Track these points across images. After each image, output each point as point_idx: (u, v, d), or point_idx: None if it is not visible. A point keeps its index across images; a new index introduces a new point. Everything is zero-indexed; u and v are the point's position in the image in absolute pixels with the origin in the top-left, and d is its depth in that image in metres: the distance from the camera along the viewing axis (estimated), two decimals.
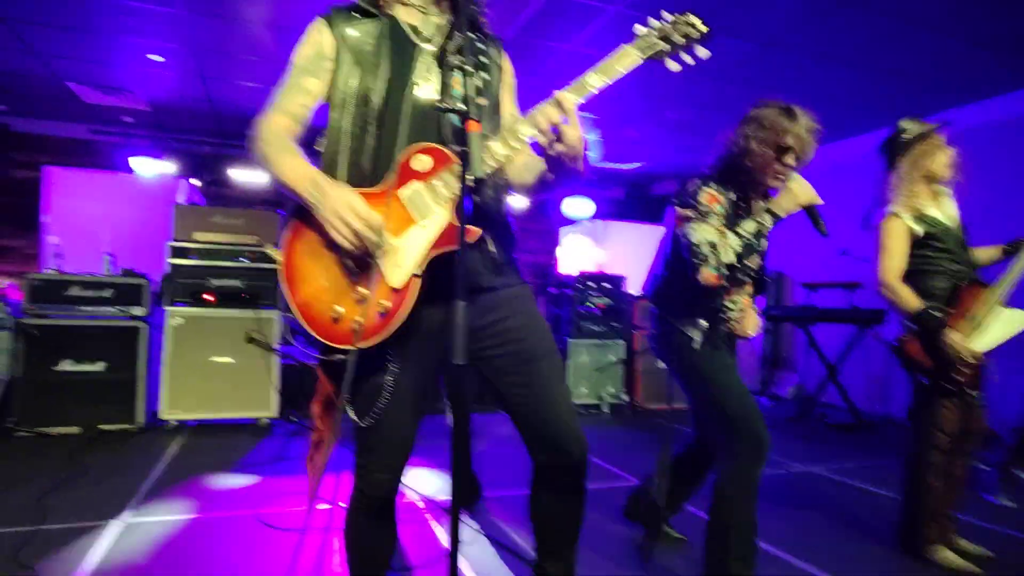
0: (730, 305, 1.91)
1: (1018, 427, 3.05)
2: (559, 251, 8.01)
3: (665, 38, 1.18)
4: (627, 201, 8.74)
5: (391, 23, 1.26)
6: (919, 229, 2.24)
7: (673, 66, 1.20)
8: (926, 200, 2.27)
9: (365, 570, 1.36)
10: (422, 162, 1.15)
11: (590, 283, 5.51)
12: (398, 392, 1.22)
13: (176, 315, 3.85)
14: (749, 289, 1.97)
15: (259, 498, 2.64)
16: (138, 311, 3.83)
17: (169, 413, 3.80)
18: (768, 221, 1.76)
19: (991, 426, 4.62)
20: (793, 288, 6.72)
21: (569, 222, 8.07)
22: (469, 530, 2.36)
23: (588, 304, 5.44)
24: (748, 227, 1.77)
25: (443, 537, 2.32)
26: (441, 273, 1.12)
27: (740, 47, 4.18)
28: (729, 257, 1.73)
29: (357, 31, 1.25)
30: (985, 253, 2.42)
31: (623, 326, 5.53)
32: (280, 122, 1.25)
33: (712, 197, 1.83)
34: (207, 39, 4.26)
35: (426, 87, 1.24)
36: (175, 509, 2.49)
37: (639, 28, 1.19)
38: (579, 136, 1.16)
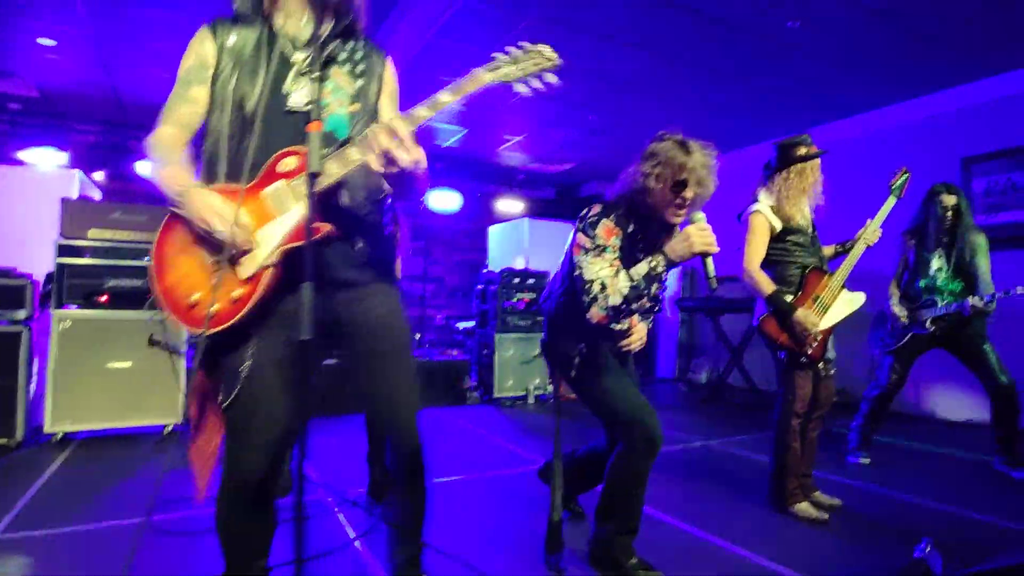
0: (619, 327, 1.92)
1: (872, 394, 3.43)
2: (490, 248, 8.10)
3: (516, 63, 1.27)
4: (557, 200, 8.96)
5: (270, 31, 1.32)
6: (777, 224, 2.58)
7: (522, 89, 1.28)
8: (791, 206, 2.59)
9: (236, 558, 1.36)
10: (287, 164, 1.23)
11: (515, 279, 5.63)
12: (261, 377, 1.27)
13: (64, 318, 3.58)
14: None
15: (155, 505, 2.51)
16: (19, 314, 3.53)
17: (55, 425, 3.50)
18: (661, 265, 1.74)
19: (855, 394, 5.15)
20: (704, 281, 7.09)
21: (499, 221, 8.17)
22: (369, 519, 2.41)
23: (513, 299, 5.56)
24: (640, 270, 1.75)
25: (348, 528, 2.35)
26: (301, 266, 1.17)
27: (647, 61, 4.42)
28: (616, 300, 1.72)
29: (237, 36, 1.32)
30: (827, 251, 2.79)
31: None
32: (168, 132, 1.31)
33: (609, 231, 1.82)
34: (108, 24, 4.05)
35: (298, 94, 1.30)
36: (57, 522, 2.34)
37: (496, 55, 1.28)
38: (412, 159, 1.19)
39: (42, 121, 5.95)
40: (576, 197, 8.84)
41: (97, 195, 5.37)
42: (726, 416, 4.96)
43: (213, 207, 1.19)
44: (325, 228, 1.22)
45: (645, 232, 1.89)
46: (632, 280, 1.74)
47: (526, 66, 1.26)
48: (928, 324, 3.23)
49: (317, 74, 1.12)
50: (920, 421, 4.79)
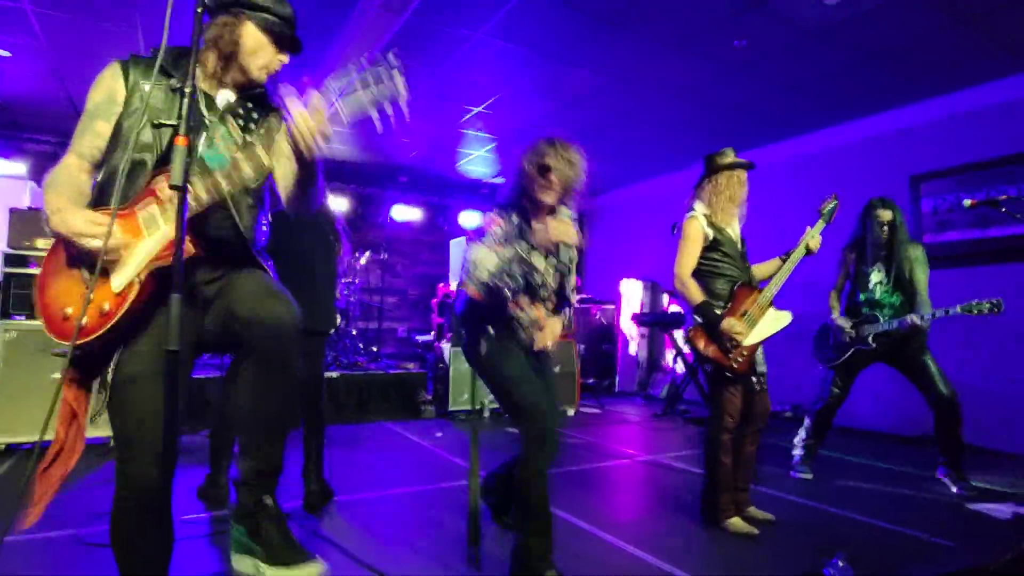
0: (520, 315, 2.11)
1: (815, 408, 3.50)
2: (451, 261, 8.15)
3: (367, 89, 1.41)
4: None
5: (192, 94, 1.33)
6: (711, 233, 2.63)
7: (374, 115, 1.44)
8: (721, 215, 2.67)
9: (137, 571, 1.34)
10: (165, 190, 1.30)
11: None
12: (144, 387, 1.30)
13: (9, 328, 3.57)
14: (549, 305, 2.21)
15: (86, 517, 2.51)
16: None
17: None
18: (523, 249, 2.03)
19: (800, 408, 5.29)
20: (662, 295, 7.25)
21: (460, 234, 8.23)
22: (303, 531, 2.41)
23: None
24: (507, 252, 2.02)
25: None
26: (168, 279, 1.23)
27: (600, 78, 4.54)
28: (483, 276, 1.98)
29: (153, 88, 1.40)
30: (767, 267, 2.82)
31: None
32: (71, 161, 1.39)
33: (492, 220, 2.10)
34: (62, 36, 4.04)
35: (202, 145, 1.43)
36: None
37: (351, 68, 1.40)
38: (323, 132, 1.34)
39: None
40: None
41: None
42: (678, 431, 5.04)
43: (86, 217, 1.28)
44: (190, 250, 1.30)
45: (528, 223, 2.13)
46: (499, 258, 2.00)
47: (376, 94, 1.41)
48: (871, 340, 3.32)
49: (207, 117, 1.30)
50: (870, 436, 4.92)
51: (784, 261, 2.73)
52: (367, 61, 1.37)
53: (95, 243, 1.24)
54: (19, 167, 5.67)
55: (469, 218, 8.47)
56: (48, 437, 1.59)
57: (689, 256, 2.62)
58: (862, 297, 3.42)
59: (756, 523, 2.60)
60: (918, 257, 3.36)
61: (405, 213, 7.89)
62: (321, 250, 2.99)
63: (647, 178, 7.63)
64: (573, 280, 2.32)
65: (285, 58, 1.54)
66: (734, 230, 2.72)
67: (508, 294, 2.04)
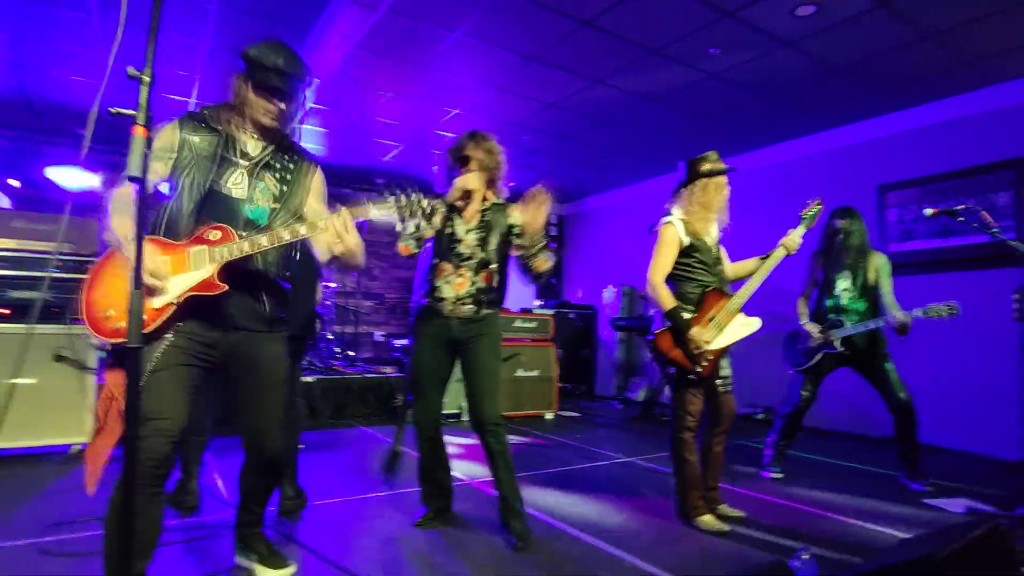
0: (440, 285, 2.47)
1: (784, 411, 3.59)
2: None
3: (400, 208, 1.77)
4: None
5: (226, 139, 1.76)
6: (686, 239, 2.64)
7: (399, 226, 2.02)
8: (698, 221, 2.68)
9: (118, 550, 1.45)
10: (213, 234, 1.66)
11: None
12: (165, 374, 1.59)
13: None
14: (468, 273, 2.49)
15: (47, 527, 2.42)
16: None
17: None
18: (425, 202, 2.11)
19: (771, 411, 5.38)
20: (641, 300, 7.30)
21: None
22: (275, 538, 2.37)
23: None
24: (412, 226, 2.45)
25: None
26: (209, 308, 1.67)
27: (573, 82, 4.57)
28: (409, 230, 2.43)
29: (199, 138, 1.73)
30: (745, 265, 2.84)
31: None
32: (127, 191, 1.63)
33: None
34: (14, 24, 3.89)
35: (236, 187, 1.75)
36: None
37: (389, 197, 1.78)
38: (348, 246, 1.73)
39: None
40: None
41: (6, 202, 5.12)
42: (655, 434, 5.07)
43: (151, 254, 1.54)
44: (222, 288, 1.63)
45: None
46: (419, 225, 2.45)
47: (406, 213, 1.77)
48: (838, 344, 3.41)
49: (250, 168, 1.77)
50: (838, 437, 5.02)
51: (763, 261, 2.75)
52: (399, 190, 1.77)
53: (149, 279, 1.50)
54: None
55: None
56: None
57: (663, 261, 2.63)
58: (829, 303, 3.52)
59: (727, 520, 2.65)
60: (882, 265, 3.49)
61: (383, 216, 7.82)
62: (301, 254, 2.94)
63: (626, 184, 7.71)
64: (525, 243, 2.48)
65: (281, 105, 1.76)
66: (711, 236, 2.74)
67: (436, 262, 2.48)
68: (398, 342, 7.06)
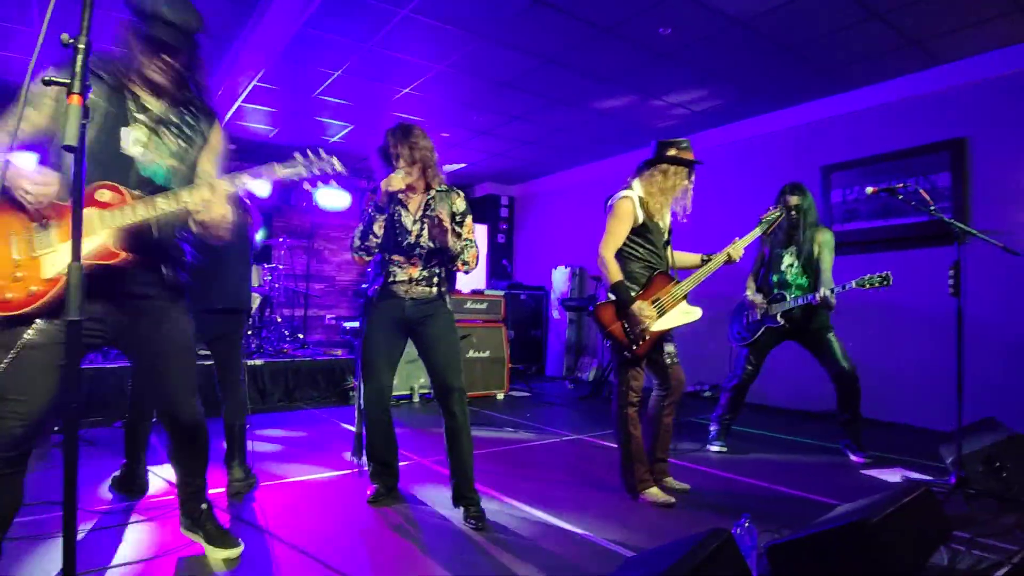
0: (393, 270, 2.53)
1: (729, 385, 3.79)
2: None
3: (308, 167, 1.73)
4: None
5: (120, 92, 1.63)
6: (640, 217, 2.69)
7: (307, 186, 1.96)
8: (655, 202, 2.74)
9: None
10: (103, 194, 1.52)
11: None
12: (35, 354, 1.47)
13: None
14: (416, 262, 2.53)
15: None
16: None
17: None
18: (336, 162, 2.03)
19: (718, 388, 5.64)
20: (589, 281, 7.45)
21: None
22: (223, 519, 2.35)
23: None
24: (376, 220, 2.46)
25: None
26: (102, 278, 1.54)
27: (524, 61, 4.58)
28: (356, 243, 2.51)
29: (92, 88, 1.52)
30: (688, 258, 2.95)
31: None
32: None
33: (366, 202, 2.54)
34: None
35: (134, 147, 1.62)
36: None
37: (296, 155, 1.74)
38: (220, 213, 1.67)
39: None
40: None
41: None
42: (603, 412, 5.22)
43: (28, 178, 1.40)
44: (122, 256, 1.53)
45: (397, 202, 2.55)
46: (360, 226, 2.50)
47: (314, 169, 1.73)
48: (779, 318, 3.55)
49: (136, 114, 1.60)
50: (781, 413, 5.29)
51: (704, 262, 2.86)
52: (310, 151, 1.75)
53: (29, 197, 1.40)
54: None
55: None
56: None
57: (615, 235, 2.67)
58: (774, 278, 3.65)
59: (673, 492, 2.76)
60: (826, 241, 3.56)
61: (332, 198, 7.65)
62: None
63: (576, 165, 7.78)
64: (463, 231, 2.56)
65: (168, 59, 1.63)
66: (664, 220, 2.80)
67: (367, 246, 2.48)
68: (348, 324, 6.99)
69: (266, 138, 6.66)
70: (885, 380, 4.66)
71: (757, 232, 2.94)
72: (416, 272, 2.53)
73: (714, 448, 3.72)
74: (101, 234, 1.49)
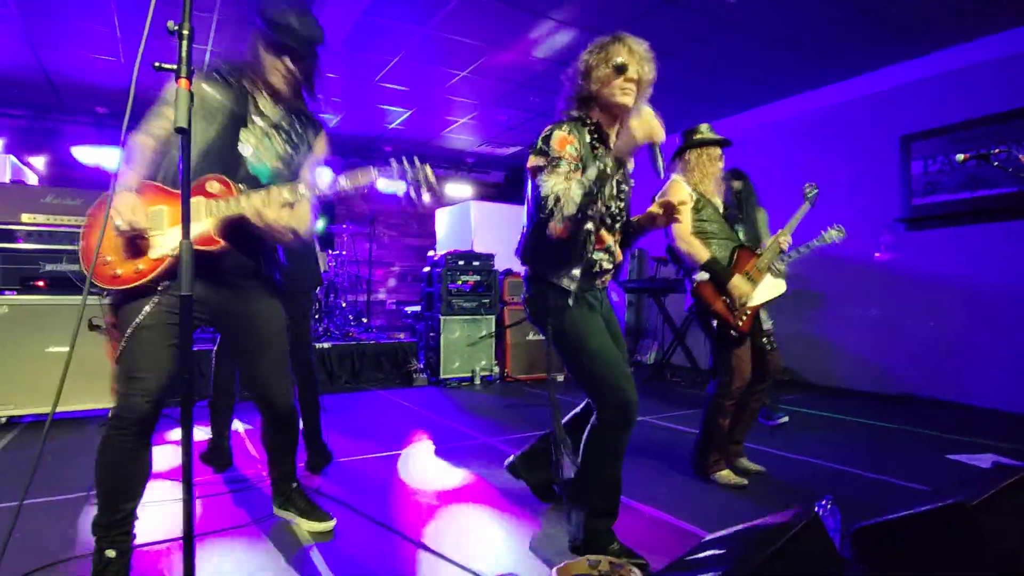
0: (600, 258, 1.90)
1: None
2: (437, 232, 8.14)
3: (403, 176, 1.73)
4: (506, 185, 9.02)
5: (241, 95, 1.75)
6: (693, 195, 2.64)
7: (413, 194, 1.77)
8: (701, 186, 2.69)
9: (108, 496, 1.58)
10: (212, 186, 1.63)
11: (460, 261, 5.68)
12: (150, 332, 1.56)
13: (1, 304, 3.54)
14: (619, 236, 2.00)
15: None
16: None
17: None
18: (610, 164, 1.68)
19: (801, 374, 5.45)
20: (650, 262, 7.32)
21: (446, 205, 8.22)
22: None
23: (458, 282, 5.62)
24: (590, 174, 1.69)
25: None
26: (201, 263, 1.52)
27: (582, 37, 4.50)
28: (570, 210, 1.70)
29: (212, 90, 1.71)
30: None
31: (493, 302, 5.79)
32: (141, 139, 1.65)
33: (563, 140, 1.79)
34: (32, 2, 3.90)
35: (246, 146, 1.73)
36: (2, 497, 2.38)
37: (392, 162, 1.75)
38: (266, 222, 1.63)
39: None
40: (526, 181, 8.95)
41: (33, 180, 5.20)
42: (667, 394, 5.15)
43: (126, 204, 1.52)
44: (221, 244, 1.61)
45: (601, 135, 1.89)
46: (584, 185, 1.69)
47: (409, 179, 1.73)
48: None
49: (264, 127, 1.74)
50: (853, 396, 5.07)
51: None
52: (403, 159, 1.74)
53: (119, 222, 1.51)
54: None
55: (456, 189, 8.43)
56: (110, 405, 2.27)
57: (683, 216, 2.57)
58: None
59: (747, 474, 2.71)
60: (761, 219, 3.83)
61: (390, 184, 7.80)
62: None
63: None
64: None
65: (288, 63, 1.74)
66: (715, 202, 2.75)
67: (592, 228, 1.83)
68: (410, 308, 7.15)
69: (329, 129, 6.85)
70: (972, 363, 4.38)
71: (806, 209, 2.83)
72: (619, 257, 2.00)
73: (775, 423, 3.77)
74: (206, 222, 1.59)
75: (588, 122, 1.88)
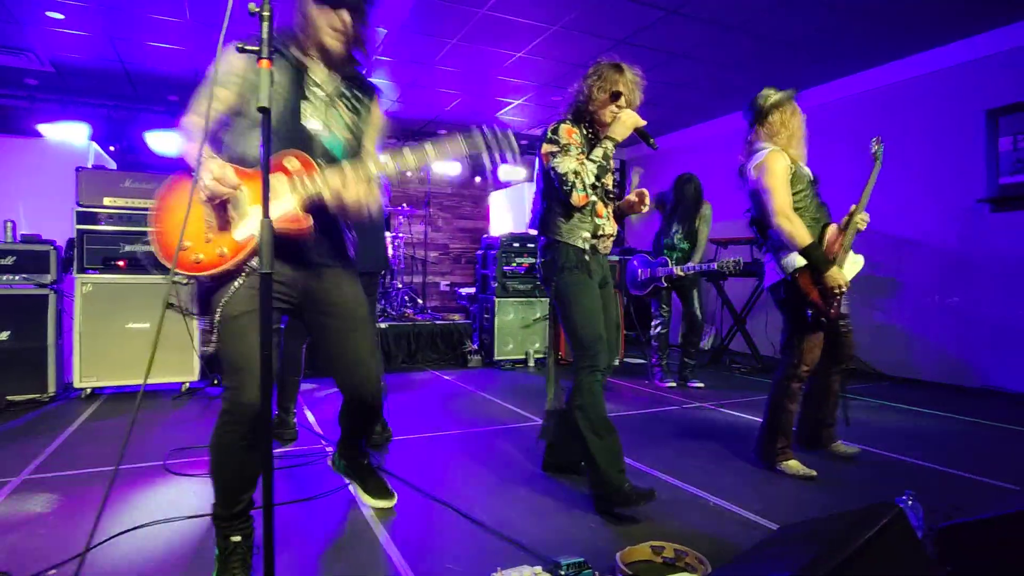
0: (602, 223, 2.27)
1: (655, 331, 4.79)
2: (491, 214, 8.15)
3: (487, 145, 1.60)
4: None
5: (299, 68, 1.62)
6: (793, 167, 2.50)
7: (487, 163, 1.63)
8: (791, 152, 2.54)
9: (226, 489, 1.55)
10: (291, 162, 1.50)
11: (515, 244, 5.66)
12: (241, 319, 1.48)
13: (86, 282, 3.80)
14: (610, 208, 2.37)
15: (170, 451, 2.73)
16: (45, 278, 3.75)
17: (83, 381, 3.79)
18: (611, 146, 2.19)
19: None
20: (710, 246, 7.08)
21: (501, 187, 8.20)
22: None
23: (513, 264, 5.62)
24: (597, 153, 2.19)
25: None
26: (288, 245, 1.52)
27: (644, 15, 4.35)
28: (590, 179, 2.16)
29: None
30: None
31: None
32: (193, 120, 1.55)
33: (569, 131, 2.23)
34: None
35: (313, 120, 1.62)
36: (80, 466, 2.55)
37: (474, 130, 1.60)
38: (351, 198, 1.53)
39: (58, 96, 6.08)
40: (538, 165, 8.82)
41: (112, 166, 5.51)
42: (722, 380, 5.02)
43: (221, 169, 1.44)
44: (309, 222, 1.49)
45: (595, 134, 2.32)
46: (596, 161, 2.18)
47: (493, 147, 1.61)
48: (663, 280, 4.54)
49: (325, 98, 1.62)
50: (931, 387, 4.79)
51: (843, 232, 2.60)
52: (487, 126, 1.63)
53: (221, 189, 1.43)
54: (82, 129, 5.87)
55: (509, 172, 8.39)
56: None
57: (783, 194, 2.44)
58: (665, 241, 4.68)
59: (843, 458, 2.76)
60: (705, 215, 4.59)
61: (445, 167, 7.85)
62: None
63: (695, 123, 7.36)
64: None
65: (345, 16, 1.58)
66: (804, 170, 2.59)
67: (594, 199, 2.23)
68: (464, 290, 7.21)
69: (387, 112, 6.93)
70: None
71: (877, 170, 2.64)
72: (615, 227, 2.35)
73: (665, 384, 4.66)
74: (291, 199, 1.48)
75: (583, 123, 2.31)
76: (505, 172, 8.38)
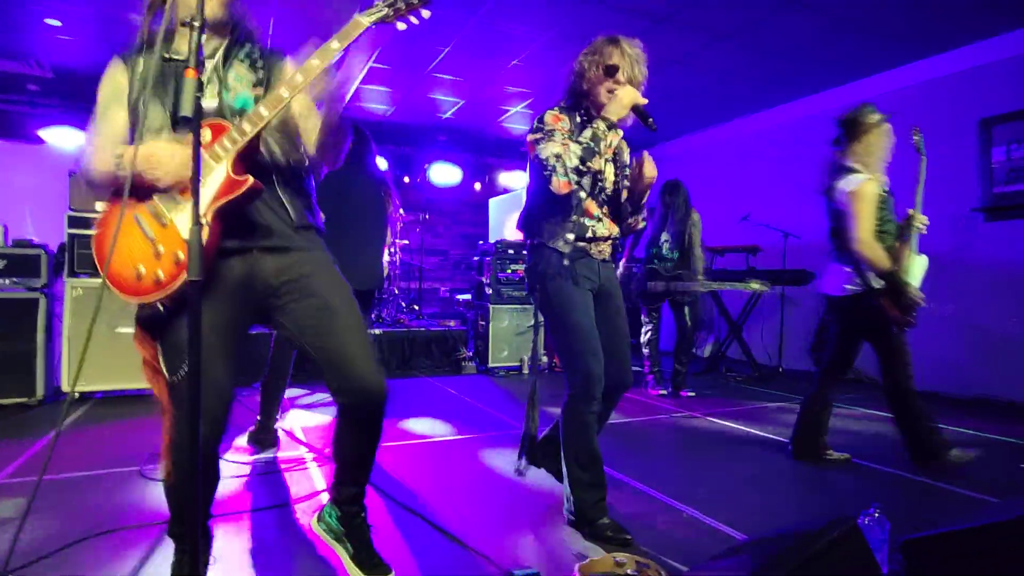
0: (592, 224, 2.02)
1: (647, 338, 4.84)
2: (491, 221, 8.17)
3: (391, 5, 1.33)
4: None
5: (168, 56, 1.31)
6: (883, 193, 2.68)
7: (400, 26, 1.37)
8: (877, 173, 2.69)
9: (183, 519, 1.46)
10: (206, 134, 1.32)
11: (510, 250, 5.66)
12: (205, 341, 1.27)
13: (76, 286, 3.82)
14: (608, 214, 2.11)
15: (147, 456, 2.72)
16: (36, 282, 3.77)
17: (71, 385, 3.80)
18: (602, 126, 1.91)
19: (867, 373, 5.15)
20: (706, 254, 7.05)
21: (500, 193, 8.23)
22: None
23: (508, 270, 5.61)
24: (585, 134, 1.91)
25: (319, 480, 2.48)
26: (235, 229, 1.37)
27: (635, 23, 4.35)
28: (573, 161, 1.87)
29: (142, 66, 1.45)
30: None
31: None
32: (103, 157, 1.42)
33: (555, 117, 2.00)
34: (108, 2, 4.15)
35: (206, 97, 1.36)
36: (58, 470, 2.54)
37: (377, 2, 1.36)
38: (329, 90, 1.42)
39: (58, 101, 6.15)
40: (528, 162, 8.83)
41: None
42: (718, 388, 4.99)
43: (155, 151, 1.32)
44: (248, 180, 1.32)
45: (591, 120, 2.02)
46: (582, 143, 1.90)
47: (400, 6, 1.33)
48: (659, 287, 4.54)
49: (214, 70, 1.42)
50: (928, 398, 4.72)
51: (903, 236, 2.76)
52: None
53: (160, 174, 1.31)
54: (79, 135, 5.95)
55: (509, 178, 8.41)
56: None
57: (870, 220, 2.60)
58: (654, 251, 4.62)
59: (831, 464, 2.85)
60: (695, 222, 4.55)
61: (445, 173, 7.88)
62: (372, 209, 3.05)
63: (698, 129, 7.34)
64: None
65: None
66: (884, 192, 2.74)
67: (582, 196, 2.01)
68: (461, 297, 7.21)
69: (383, 117, 6.96)
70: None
71: (925, 164, 2.84)
72: (613, 230, 2.08)
73: (657, 391, 4.62)
74: (219, 169, 1.31)
75: (579, 110, 2.08)
76: (505, 179, 8.41)
